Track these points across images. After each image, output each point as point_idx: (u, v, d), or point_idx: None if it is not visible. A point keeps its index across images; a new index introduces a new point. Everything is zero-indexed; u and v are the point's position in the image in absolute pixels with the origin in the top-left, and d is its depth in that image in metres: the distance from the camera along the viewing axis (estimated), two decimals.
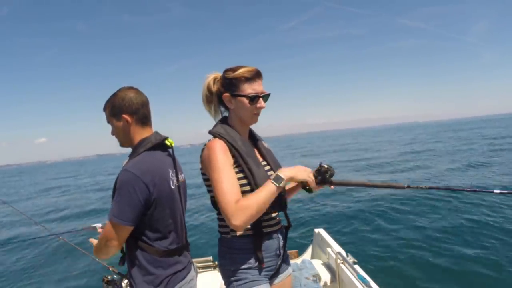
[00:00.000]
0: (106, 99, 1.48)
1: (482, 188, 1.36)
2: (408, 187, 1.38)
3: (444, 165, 13.00)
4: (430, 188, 1.41)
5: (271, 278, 1.51)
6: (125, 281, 1.94)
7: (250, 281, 1.39)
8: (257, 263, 1.41)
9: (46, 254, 6.88)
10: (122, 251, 1.50)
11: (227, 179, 1.30)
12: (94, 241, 1.51)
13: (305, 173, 1.38)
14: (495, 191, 1.28)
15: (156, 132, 1.52)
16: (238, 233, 1.40)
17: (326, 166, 1.44)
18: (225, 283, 1.47)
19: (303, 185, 1.53)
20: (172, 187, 1.47)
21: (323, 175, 1.44)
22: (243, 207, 1.24)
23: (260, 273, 1.42)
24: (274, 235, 1.48)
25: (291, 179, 1.34)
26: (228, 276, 1.43)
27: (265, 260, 1.43)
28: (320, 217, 7.17)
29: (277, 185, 1.28)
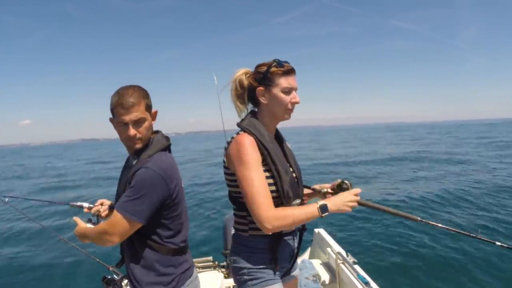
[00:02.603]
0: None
1: (484, 236, 1.46)
2: (421, 220, 1.43)
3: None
4: (442, 227, 1.48)
5: (282, 277, 1.50)
6: (125, 281, 1.94)
7: (265, 280, 1.39)
8: (272, 264, 1.41)
9: (45, 253, 6.87)
10: (121, 252, 1.49)
11: (261, 179, 1.28)
12: (79, 220, 1.47)
13: (349, 206, 1.33)
14: (497, 243, 1.32)
15: (161, 133, 1.50)
16: (256, 232, 1.38)
17: (348, 183, 1.48)
18: (237, 281, 1.45)
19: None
20: (182, 185, 1.48)
21: (343, 191, 1.44)
22: (282, 215, 1.25)
23: (275, 273, 1.42)
24: (290, 237, 1.49)
25: (335, 212, 1.32)
26: (242, 274, 1.42)
27: (279, 261, 1.43)
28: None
29: (321, 214, 1.28)
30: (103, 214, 1.66)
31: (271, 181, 1.33)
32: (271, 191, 1.32)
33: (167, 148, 1.48)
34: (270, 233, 1.31)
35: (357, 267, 2.50)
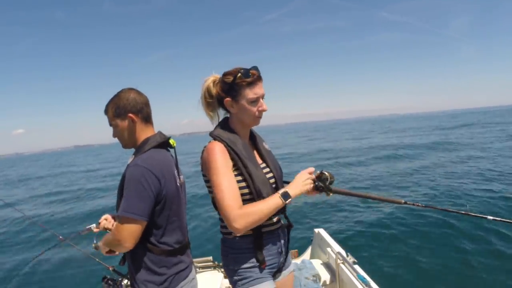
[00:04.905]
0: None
1: (476, 213, 1.43)
2: (405, 203, 1.41)
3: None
4: (426, 206, 1.46)
5: (274, 275, 1.53)
6: (125, 281, 1.94)
7: (254, 279, 1.41)
8: (259, 262, 1.42)
9: (45, 254, 6.87)
10: None
11: (228, 182, 1.31)
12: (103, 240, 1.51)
13: (307, 184, 1.39)
14: (489, 217, 1.30)
15: (160, 132, 1.54)
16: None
17: (327, 174, 1.47)
18: (230, 283, 1.49)
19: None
20: (178, 184, 1.49)
21: (323, 182, 1.47)
22: (246, 213, 1.27)
23: (262, 271, 1.44)
24: (275, 234, 1.50)
25: (297, 196, 1.36)
26: (232, 275, 1.45)
27: (267, 258, 1.45)
28: (320, 217, 7.17)
29: (284, 201, 1.31)
30: (111, 226, 1.69)
31: (243, 184, 1.37)
32: (245, 194, 1.36)
33: (164, 146, 1.50)
34: (239, 233, 1.34)
35: (357, 267, 2.50)
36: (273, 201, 1.31)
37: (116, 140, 1.53)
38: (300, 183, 1.37)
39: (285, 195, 1.32)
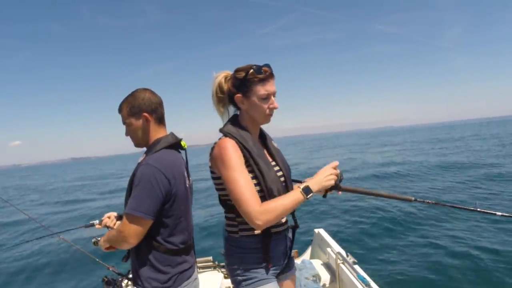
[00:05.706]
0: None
1: (485, 209, 1.42)
2: (415, 200, 1.40)
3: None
4: (436, 203, 1.44)
5: (277, 276, 1.51)
6: (125, 281, 1.95)
7: (259, 280, 1.40)
8: (265, 263, 1.41)
9: (45, 254, 6.88)
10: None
11: (244, 178, 1.30)
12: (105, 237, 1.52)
13: (330, 180, 1.32)
14: (498, 213, 1.29)
15: (172, 133, 1.55)
16: (247, 232, 1.40)
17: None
18: (233, 282, 1.46)
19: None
20: (187, 185, 1.50)
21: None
22: (268, 209, 1.26)
23: (268, 272, 1.42)
24: (282, 235, 1.49)
25: (319, 191, 1.33)
26: (236, 275, 1.43)
27: (273, 259, 1.43)
28: (320, 217, 7.17)
29: (305, 196, 1.28)
30: (113, 225, 1.70)
31: (254, 181, 1.35)
32: (256, 191, 1.33)
33: (175, 147, 1.51)
34: (261, 230, 1.33)
35: (357, 267, 2.50)
36: (294, 196, 1.28)
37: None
38: (323, 178, 1.32)
39: (307, 190, 1.28)
